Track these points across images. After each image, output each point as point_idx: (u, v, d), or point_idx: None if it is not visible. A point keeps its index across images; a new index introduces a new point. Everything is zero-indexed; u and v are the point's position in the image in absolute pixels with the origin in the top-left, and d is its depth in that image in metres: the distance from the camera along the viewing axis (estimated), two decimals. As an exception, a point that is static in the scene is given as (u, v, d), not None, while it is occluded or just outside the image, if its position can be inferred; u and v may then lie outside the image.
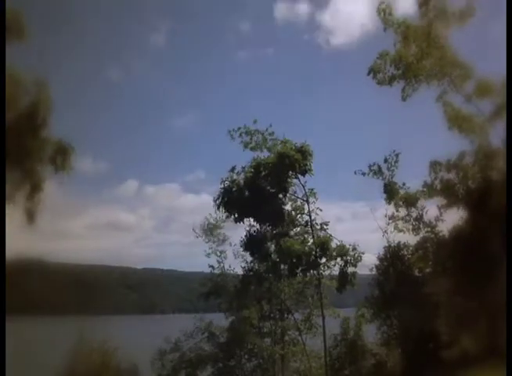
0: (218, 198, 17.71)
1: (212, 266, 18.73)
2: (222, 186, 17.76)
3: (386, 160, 16.98)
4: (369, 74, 15.95)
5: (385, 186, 16.95)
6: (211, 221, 18.73)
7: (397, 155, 16.95)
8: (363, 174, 17.28)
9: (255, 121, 18.28)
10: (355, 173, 17.46)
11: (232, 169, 18.01)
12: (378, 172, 17.04)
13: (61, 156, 12.50)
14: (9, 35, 11.29)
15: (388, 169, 16.98)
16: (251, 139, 18.12)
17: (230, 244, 18.80)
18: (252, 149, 18.15)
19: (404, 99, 15.98)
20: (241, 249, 18.30)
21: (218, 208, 17.79)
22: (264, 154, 18.13)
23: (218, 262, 18.80)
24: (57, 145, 12.53)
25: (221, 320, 18.55)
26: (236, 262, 18.70)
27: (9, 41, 11.38)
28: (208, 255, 18.74)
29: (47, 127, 12.27)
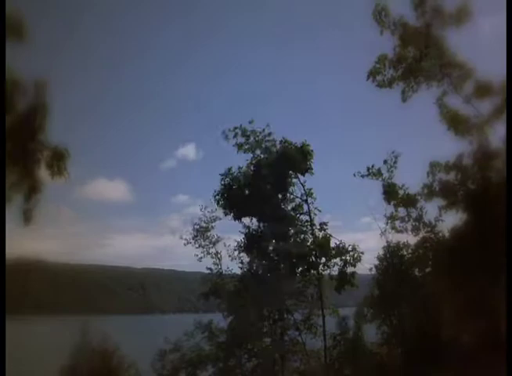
0: (218, 194, 17.70)
1: (210, 269, 18.64)
2: (223, 183, 17.76)
3: (385, 162, 17.01)
4: (368, 78, 15.99)
5: (384, 187, 16.97)
6: (202, 224, 18.57)
7: (396, 157, 16.98)
8: (362, 176, 17.31)
9: (252, 122, 18.28)
10: (354, 175, 17.49)
11: (229, 170, 17.95)
12: (377, 174, 17.06)
13: (57, 161, 12.53)
14: (10, 36, 11.31)
15: (387, 171, 17.01)
16: (247, 140, 18.05)
17: (224, 245, 18.70)
18: (246, 151, 18.07)
19: (404, 99, 15.98)
20: (237, 250, 18.27)
21: (218, 205, 17.79)
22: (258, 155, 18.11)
23: (215, 264, 18.69)
24: (54, 150, 12.57)
25: (220, 320, 18.55)
26: (233, 263, 18.65)
27: (9, 42, 11.40)
28: (200, 259, 18.53)
29: (44, 130, 12.30)
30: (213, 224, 18.54)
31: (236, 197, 17.51)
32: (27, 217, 12.26)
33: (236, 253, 18.31)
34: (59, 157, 12.53)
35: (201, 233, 18.53)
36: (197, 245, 18.47)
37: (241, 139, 18.10)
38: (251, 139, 18.06)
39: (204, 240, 18.55)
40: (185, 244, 18.49)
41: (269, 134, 18.21)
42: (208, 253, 18.55)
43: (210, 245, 18.57)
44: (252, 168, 17.81)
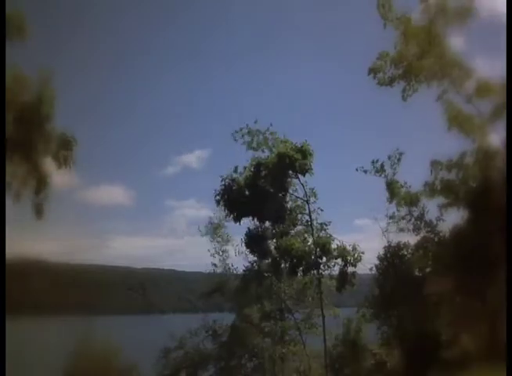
0: (218, 195, 17.75)
1: (215, 264, 18.75)
2: (223, 184, 17.81)
3: (389, 158, 16.99)
4: (369, 74, 15.97)
5: (387, 184, 16.96)
6: (215, 220, 18.73)
7: (400, 154, 16.98)
8: (365, 171, 17.27)
9: (256, 122, 18.41)
10: (357, 170, 17.45)
11: (235, 169, 18.07)
12: (380, 170, 17.03)
13: (64, 150, 12.59)
14: (12, 32, 11.33)
15: (391, 167, 17.00)
16: (253, 139, 18.21)
17: (233, 245, 18.81)
18: (254, 149, 18.25)
19: (404, 99, 15.97)
20: (244, 249, 18.36)
21: (218, 206, 17.85)
22: (266, 154, 18.26)
23: (221, 262, 18.82)
24: (60, 138, 12.62)
25: (220, 320, 18.57)
26: (239, 262, 18.77)
27: (12, 38, 11.42)
28: (213, 255, 18.73)
29: (51, 120, 12.34)
30: (226, 223, 18.74)
31: (236, 197, 17.55)
32: (38, 211, 12.30)
33: (243, 250, 18.42)
34: (65, 144, 12.59)
35: (214, 229, 18.70)
36: (211, 239, 18.72)
37: (248, 138, 18.27)
38: (257, 137, 18.22)
39: (218, 237, 18.78)
40: (201, 236, 18.77)
41: (272, 133, 18.33)
42: (216, 251, 18.72)
43: (223, 242, 18.78)
44: (252, 168, 17.85)
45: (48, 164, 12.55)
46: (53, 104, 12.17)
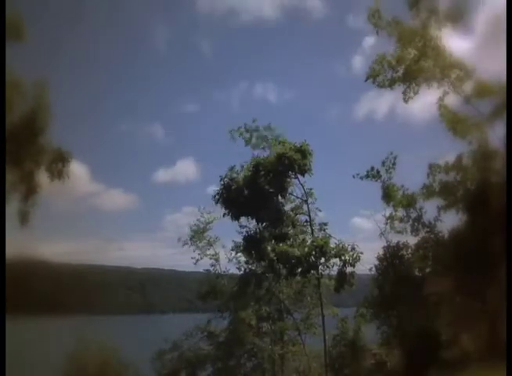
0: (217, 194, 17.75)
1: (208, 270, 18.55)
2: (222, 183, 17.80)
3: (383, 164, 17.03)
4: (366, 80, 16.03)
5: (383, 188, 16.98)
6: (200, 225, 18.56)
7: (394, 158, 17.02)
8: (361, 178, 17.32)
9: (255, 121, 18.44)
10: (354, 177, 17.50)
11: (232, 168, 18.04)
12: (376, 176, 17.07)
13: (58, 164, 12.53)
14: (8, 37, 11.29)
15: (386, 172, 17.02)
16: (251, 137, 18.25)
17: (223, 246, 18.67)
18: (253, 147, 18.27)
19: (406, 101, 16.02)
20: (234, 250, 18.25)
21: (217, 204, 17.83)
22: (265, 153, 18.27)
23: (212, 265, 18.62)
24: (56, 152, 12.56)
25: (220, 320, 18.55)
26: (231, 264, 18.60)
27: (8, 44, 11.38)
28: (196, 262, 18.45)
29: (46, 132, 12.29)
30: (210, 225, 18.59)
31: (235, 197, 17.53)
32: (24, 218, 12.26)
33: (234, 253, 18.28)
34: (60, 159, 12.53)
35: (198, 233, 18.53)
36: (194, 247, 18.45)
37: (247, 135, 18.30)
38: (255, 135, 18.27)
39: (201, 242, 18.55)
40: (182, 246, 18.47)
41: (272, 129, 18.39)
42: (205, 255, 18.53)
43: (208, 246, 18.58)
44: (251, 168, 17.84)
45: (41, 175, 12.51)
46: (48, 116, 12.12)
